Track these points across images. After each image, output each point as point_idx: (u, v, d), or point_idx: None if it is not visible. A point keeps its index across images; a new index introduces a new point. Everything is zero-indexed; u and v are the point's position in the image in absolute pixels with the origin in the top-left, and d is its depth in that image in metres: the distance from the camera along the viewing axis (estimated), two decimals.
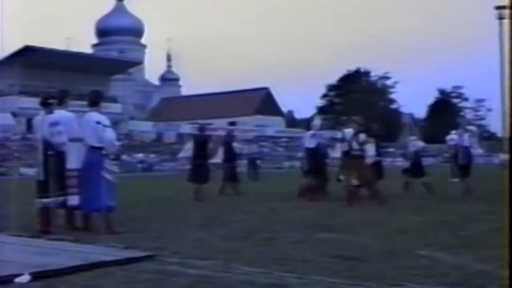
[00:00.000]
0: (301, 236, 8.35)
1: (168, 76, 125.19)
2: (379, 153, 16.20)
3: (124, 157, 52.77)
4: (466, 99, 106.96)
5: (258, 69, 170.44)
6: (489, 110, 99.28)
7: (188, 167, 17.29)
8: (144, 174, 47.25)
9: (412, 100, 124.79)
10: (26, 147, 48.75)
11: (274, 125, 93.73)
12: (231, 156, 18.82)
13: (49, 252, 6.84)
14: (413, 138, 19.04)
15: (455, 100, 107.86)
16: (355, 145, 13.82)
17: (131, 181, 25.27)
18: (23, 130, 60.00)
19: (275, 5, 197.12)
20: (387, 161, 20.98)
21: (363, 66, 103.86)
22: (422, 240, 7.88)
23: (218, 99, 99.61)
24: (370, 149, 13.88)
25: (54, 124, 8.94)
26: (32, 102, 45.34)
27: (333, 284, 5.31)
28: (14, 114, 66.21)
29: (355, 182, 13.68)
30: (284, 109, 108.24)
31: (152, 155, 65.42)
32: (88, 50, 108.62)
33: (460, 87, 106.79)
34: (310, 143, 15.54)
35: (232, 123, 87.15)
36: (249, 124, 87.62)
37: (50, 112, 9.02)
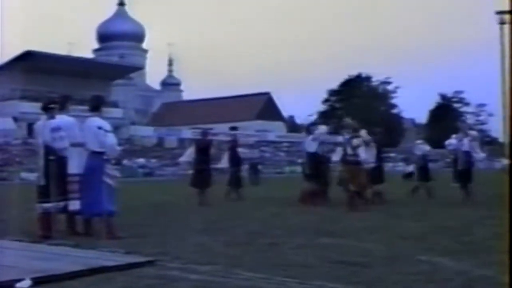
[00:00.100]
0: (303, 241, 8.34)
1: (169, 81, 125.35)
2: (380, 157, 16.19)
3: (125, 162, 52.79)
4: (467, 104, 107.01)
5: (259, 74, 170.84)
6: (490, 115, 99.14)
7: (190, 172, 17.30)
8: (145, 179, 47.25)
9: (413, 105, 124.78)
10: (27, 152, 48.78)
11: (275, 130, 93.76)
12: (236, 161, 18.92)
13: (50, 257, 6.83)
14: (419, 142, 19.02)
15: (456, 105, 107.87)
16: (349, 150, 13.86)
17: (132, 186, 25.26)
18: (24, 135, 59.98)
19: (276, 10, 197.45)
20: (388, 166, 20.94)
21: (365, 71, 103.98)
22: (423, 245, 7.87)
23: (219, 104, 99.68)
24: (363, 153, 13.87)
25: (55, 129, 8.95)
26: (33, 107, 45.41)
27: None
28: (15, 119, 66.23)
29: (351, 187, 13.69)
30: (285, 114, 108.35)
31: (153, 160, 65.40)
32: (89, 55, 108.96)
33: (461, 92, 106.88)
34: (311, 148, 15.54)
35: (233, 128, 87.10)
36: (250, 129, 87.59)
37: (52, 117, 9.02)
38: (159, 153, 70.42)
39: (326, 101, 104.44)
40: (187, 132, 76.91)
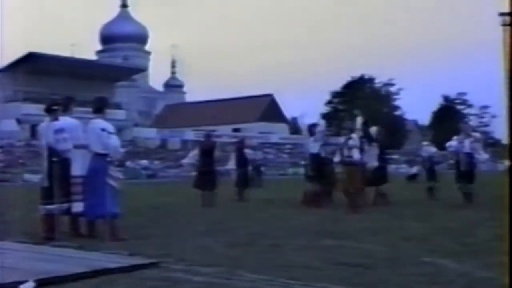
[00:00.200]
0: (305, 243, 8.35)
1: (172, 82, 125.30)
2: (383, 158, 16.21)
3: (128, 163, 52.75)
4: (470, 106, 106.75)
5: (262, 75, 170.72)
6: (494, 116, 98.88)
7: (194, 173, 17.38)
8: (149, 181, 47.24)
9: (417, 106, 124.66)
10: (30, 154, 48.82)
11: (278, 132, 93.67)
12: (243, 162, 19.07)
13: (53, 259, 6.84)
14: (425, 143, 19.00)
15: (459, 107, 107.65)
16: (345, 152, 13.95)
17: (136, 188, 25.26)
18: (27, 137, 60.05)
19: (279, 12, 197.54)
20: (391, 168, 20.92)
21: (367, 72, 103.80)
22: (426, 247, 7.88)
23: (222, 106, 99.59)
24: (356, 154, 13.92)
25: (59, 131, 8.96)
26: (36, 109, 45.51)
27: None
28: (18, 121, 66.29)
29: (350, 188, 13.76)
30: (288, 116, 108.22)
31: (156, 162, 65.40)
32: (92, 56, 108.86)
33: (464, 94, 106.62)
34: (314, 149, 15.53)
35: (236, 130, 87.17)
36: (253, 131, 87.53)
37: (55, 119, 9.04)
38: (162, 155, 70.41)
39: (329, 102, 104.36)
40: (190, 134, 76.93)
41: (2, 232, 9.15)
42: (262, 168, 32.98)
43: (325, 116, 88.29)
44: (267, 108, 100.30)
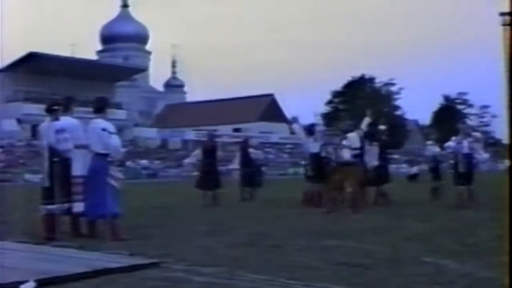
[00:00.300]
0: (306, 243, 8.35)
1: (172, 82, 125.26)
2: (384, 158, 16.22)
3: (128, 163, 52.76)
4: (471, 106, 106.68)
5: (263, 75, 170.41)
6: (494, 116, 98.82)
7: (195, 173, 17.42)
8: (149, 181, 47.26)
9: (417, 106, 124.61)
10: (31, 154, 48.82)
11: (278, 132, 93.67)
12: (247, 162, 19.09)
13: (54, 259, 6.84)
14: (429, 143, 18.98)
15: (460, 107, 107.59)
16: (338, 152, 14.02)
17: (136, 188, 25.27)
18: (28, 137, 60.06)
19: (280, 12, 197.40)
20: (391, 168, 20.89)
21: (368, 72, 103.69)
22: (427, 247, 7.87)
23: (223, 106, 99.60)
24: (346, 154, 13.99)
25: (59, 131, 8.96)
26: (37, 109, 45.57)
27: None
28: (19, 121, 66.30)
29: (347, 188, 13.80)
30: (289, 115, 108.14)
31: (156, 162, 65.43)
32: (93, 56, 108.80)
33: (465, 94, 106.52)
34: (314, 149, 15.53)
35: (236, 130, 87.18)
36: (254, 131, 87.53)
37: (56, 119, 9.04)
38: (163, 155, 70.45)
39: (329, 102, 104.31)
40: (191, 134, 76.96)
41: (3, 232, 9.15)
42: (263, 168, 32.98)
43: (325, 115, 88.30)
44: (268, 108, 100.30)
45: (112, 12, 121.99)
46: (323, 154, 15.31)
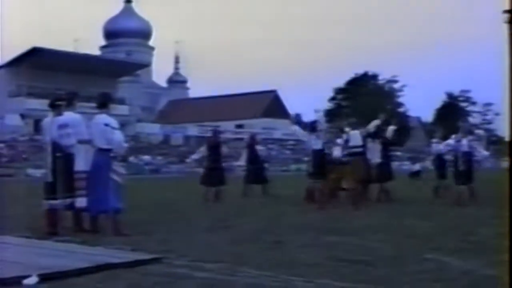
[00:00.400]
0: (308, 240, 8.35)
1: (175, 78, 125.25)
2: (387, 155, 16.24)
3: (131, 159, 52.83)
4: (474, 103, 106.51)
5: (265, 72, 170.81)
6: (497, 114, 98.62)
7: (200, 169, 17.45)
8: (151, 176, 47.29)
9: (420, 103, 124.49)
10: (34, 148, 48.94)
11: (281, 128, 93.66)
12: (254, 158, 19.10)
13: (56, 254, 6.84)
14: (435, 140, 18.94)
15: (463, 104, 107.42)
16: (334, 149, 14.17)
17: (138, 183, 25.29)
18: (31, 132, 60.19)
19: (282, 8, 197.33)
20: (394, 165, 20.89)
21: (371, 69, 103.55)
22: (429, 244, 7.86)
23: (226, 102, 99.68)
24: (336, 151, 14.10)
25: (62, 126, 8.96)
26: (40, 104, 45.59)
27: None
28: (22, 116, 66.42)
29: (350, 185, 13.85)
30: (292, 112, 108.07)
31: (159, 157, 65.48)
32: (96, 52, 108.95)
33: (468, 91, 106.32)
34: (317, 145, 15.51)
35: (239, 126, 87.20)
36: (256, 127, 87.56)
37: (59, 114, 9.04)
38: (165, 151, 70.51)
39: (332, 99, 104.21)
40: (193, 130, 77.01)
41: (5, 227, 9.16)
42: (266, 164, 32.93)
43: (328, 112, 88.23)
44: (270, 104, 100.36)
45: (116, 7, 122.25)
46: (326, 151, 15.34)
